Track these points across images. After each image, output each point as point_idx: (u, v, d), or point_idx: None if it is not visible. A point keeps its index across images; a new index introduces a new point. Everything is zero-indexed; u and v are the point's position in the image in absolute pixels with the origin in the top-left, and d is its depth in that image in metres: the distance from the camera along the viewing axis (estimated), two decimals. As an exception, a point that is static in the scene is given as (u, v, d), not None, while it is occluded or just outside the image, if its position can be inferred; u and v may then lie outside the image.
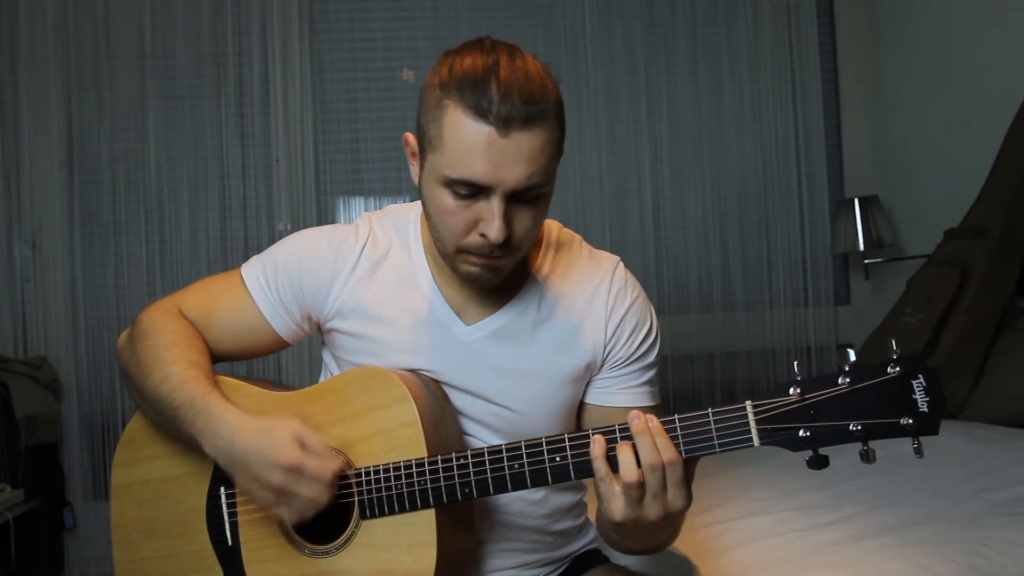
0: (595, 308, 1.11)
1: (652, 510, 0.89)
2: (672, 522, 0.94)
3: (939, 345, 2.28)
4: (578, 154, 3.32)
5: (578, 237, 1.20)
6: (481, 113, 0.92)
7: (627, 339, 1.11)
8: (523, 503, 1.12)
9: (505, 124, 0.92)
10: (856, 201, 3.21)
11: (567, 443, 0.94)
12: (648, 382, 1.14)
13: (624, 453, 0.88)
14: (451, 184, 0.96)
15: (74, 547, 3.08)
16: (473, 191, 0.95)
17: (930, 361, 2.26)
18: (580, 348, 1.10)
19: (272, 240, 3.15)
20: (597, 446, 0.90)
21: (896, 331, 2.41)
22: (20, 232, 3.12)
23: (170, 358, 1.08)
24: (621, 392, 1.12)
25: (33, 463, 2.79)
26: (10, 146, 3.10)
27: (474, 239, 0.98)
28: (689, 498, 0.91)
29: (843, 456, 1.89)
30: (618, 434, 0.91)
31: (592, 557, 1.25)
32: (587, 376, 1.12)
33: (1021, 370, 2.13)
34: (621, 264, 1.16)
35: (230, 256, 3.18)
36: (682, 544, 1.46)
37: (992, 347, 2.25)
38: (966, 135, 2.90)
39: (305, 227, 3.18)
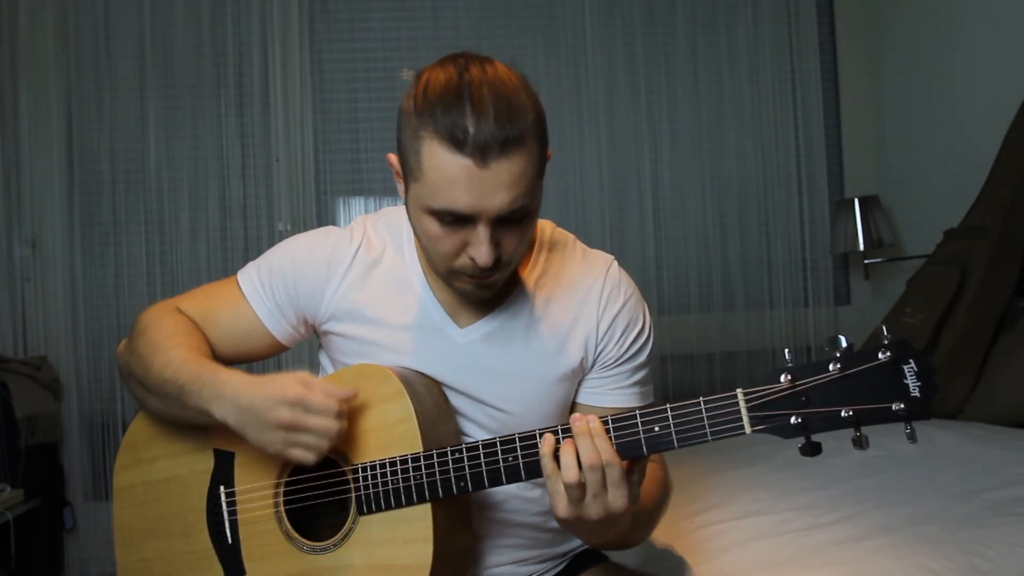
0: (587, 308, 1.11)
1: (593, 510, 0.90)
2: (616, 523, 0.94)
3: (939, 345, 2.28)
4: (578, 154, 3.32)
5: (572, 236, 1.20)
6: (457, 144, 0.90)
7: (619, 339, 1.12)
8: (520, 500, 1.13)
9: (483, 154, 0.90)
10: (856, 201, 3.20)
11: (560, 435, 0.94)
12: (639, 383, 1.14)
13: (566, 454, 0.90)
14: (435, 213, 0.96)
15: (74, 547, 3.08)
16: (458, 219, 0.95)
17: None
18: (573, 348, 1.10)
19: (272, 240, 3.16)
20: (546, 444, 0.91)
21: (896, 331, 2.40)
22: (20, 232, 3.12)
23: (171, 344, 1.09)
24: (611, 393, 1.13)
25: (33, 463, 2.79)
26: (10, 146, 3.10)
27: (464, 261, 0.99)
28: (632, 499, 0.91)
29: (843, 456, 1.89)
30: (560, 434, 0.92)
31: (591, 555, 1.25)
32: (579, 374, 1.13)
33: (1021, 370, 2.13)
34: (615, 263, 1.16)
35: (230, 256, 3.18)
36: (682, 544, 1.46)
37: (992, 347, 2.24)
38: (966, 135, 2.90)
39: (305, 227, 3.21)
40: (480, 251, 0.96)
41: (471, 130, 0.90)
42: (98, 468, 3.12)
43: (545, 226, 1.18)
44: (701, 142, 3.39)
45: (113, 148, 3.17)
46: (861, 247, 3.18)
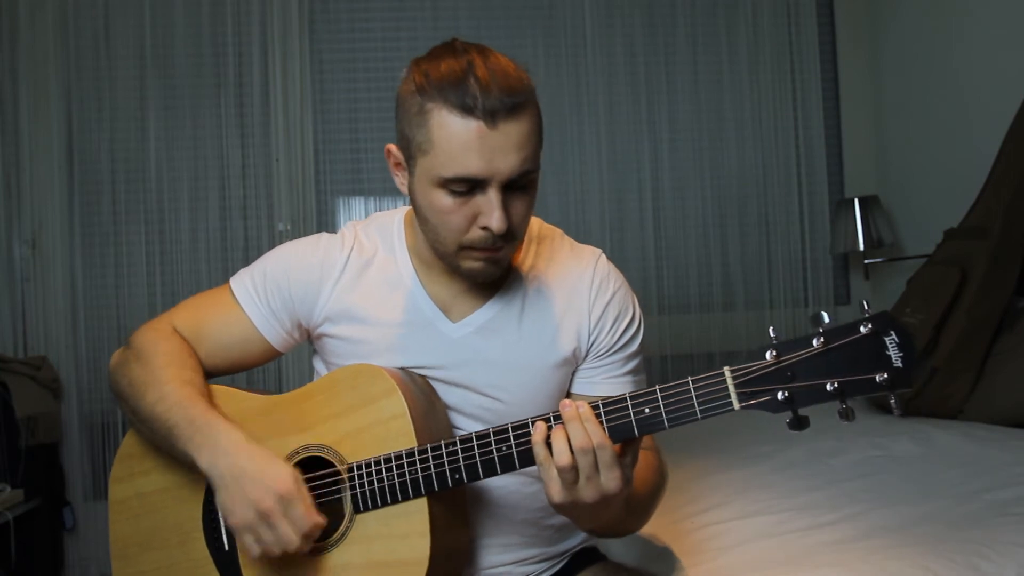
0: (578, 298, 1.14)
1: (587, 493, 0.91)
2: (610, 505, 0.95)
3: (939, 345, 2.28)
4: (578, 154, 3.32)
5: (559, 231, 1.22)
6: (467, 110, 0.95)
7: (610, 328, 1.14)
8: (518, 496, 1.14)
9: (492, 116, 0.95)
10: (856, 201, 3.20)
11: (552, 422, 0.95)
12: (632, 371, 1.17)
13: (558, 439, 0.91)
14: (447, 184, 0.98)
15: (74, 547, 3.08)
16: (469, 187, 0.98)
17: (930, 361, 2.26)
18: (566, 337, 1.12)
19: (272, 240, 3.17)
20: (538, 432, 0.93)
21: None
22: (20, 232, 3.12)
23: (165, 378, 1.09)
24: (605, 382, 1.15)
25: (33, 463, 2.79)
26: (10, 146, 3.10)
27: (476, 233, 1.01)
28: (625, 481, 0.93)
29: (843, 456, 1.89)
30: (552, 421, 0.94)
31: (589, 555, 1.26)
32: (573, 363, 1.15)
33: (1021, 370, 2.13)
34: (603, 256, 1.19)
35: (230, 257, 3.18)
36: (682, 544, 1.46)
37: (992, 347, 2.24)
38: (966, 135, 2.90)
39: (305, 227, 3.22)
40: (493, 217, 0.98)
41: (479, 96, 0.95)
42: (98, 468, 3.12)
43: (533, 221, 1.20)
44: (701, 142, 3.40)
45: (113, 148, 3.17)
46: (861, 247, 3.18)
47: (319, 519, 1.00)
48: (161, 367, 1.11)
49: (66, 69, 3.15)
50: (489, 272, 1.06)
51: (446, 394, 1.12)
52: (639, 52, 3.37)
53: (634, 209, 3.36)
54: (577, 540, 1.25)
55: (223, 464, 1.01)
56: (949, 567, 1.23)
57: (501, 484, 1.12)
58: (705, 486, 1.77)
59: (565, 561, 1.23)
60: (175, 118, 3.20)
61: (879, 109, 3.46)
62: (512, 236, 1.02)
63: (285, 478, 0.99)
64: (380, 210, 3.29)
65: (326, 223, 3.29)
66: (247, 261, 1.23)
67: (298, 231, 3.18)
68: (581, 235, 3.33)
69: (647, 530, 1.53)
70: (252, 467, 1.00)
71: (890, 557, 1.27)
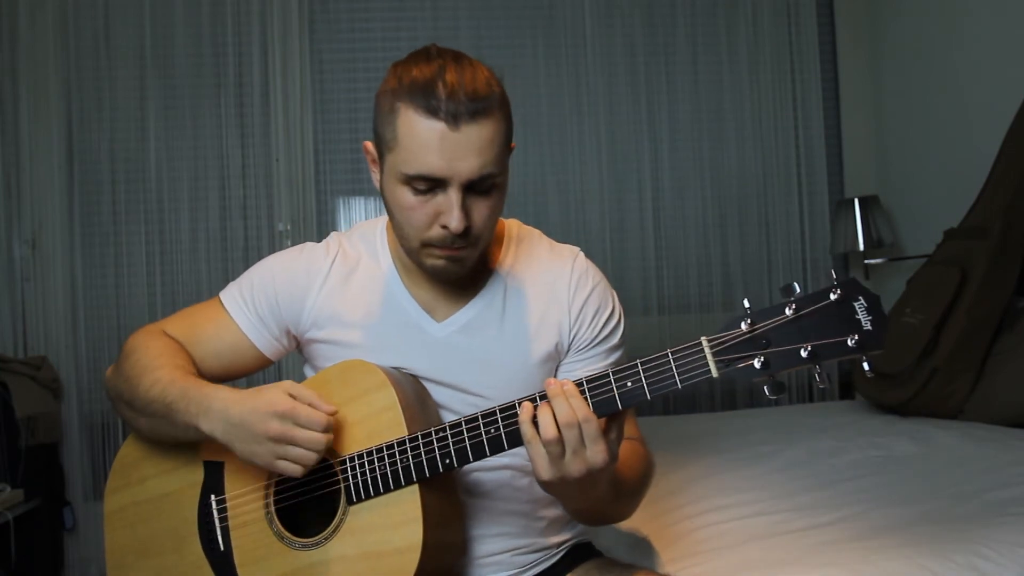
0: (559, 294, 1.17)
1: (574, 467, 0.93)
2: (598, 481, 0.96)
3: (939, 345, 2.28)
4: (578, 154, 3.32)
5: (537, 231, 1.26)
6: (432, 111, 0.99)
7: (591, 322, 1.17)
8: (510, 489, 1.17)
9: (455, 119, 0.99)
10: (856, 201, 3.20)
11: (537, 401, 0.97)
12: (614, 364, 1.18)
13: (544, 414, 0.93)
14: (410, 181, 1.02)
15: (74, 547, 3.08)
16: (431, 185, 1.02)
17: (930, 361, 2.26)
18: (547, 333, 1.16)
19: (272, 241, 3.17)
20: (525, 411, 0.95)
21: (896, 331, 2.40)
22: (20, 232, 3.12)
23: (157, 364, 1.13)
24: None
25: (33, 463, 2.79)
26: (10, 146, 3.10)
27: (436, 232, 1.04)
28: (611, 455, 0.94)
29: (843, 456, 1.89)
30: (538, 401, 0.96)
31: (585, 550, 1.27)
32: (556, 358, 1.18)
33: (1021, 370, 2.13)
34: (581, 254, 1.23)
35: (230, 257, 3.18)
36: (681, 544, 1.47)
37: (992, 347, 2.24)
38: (966, 135, 2.90)
39: (305, 227, 3.22)
40: (452, 216, 1.01)
41: (444, 99, 0.99)
42: (98, 468, 3.12)
43: (511, 224, 1.24)
44: (701, 142, 3.40)
45: (113, 148, 3.17)
46: (861, 247, 3.18)
47: (327, 406, 1.02)
48: (153, 357, 1.14)
49: (66, 69, 3.15)
50: (451, 270, 1.09)
51: (435, 393, 1.15)
52: (639, 52, 3.37)
53: (634, 209, 3.36)
54: (570, 534, 1.26)
55: (221, 423, 1.03)
56: (949, 567, 1.23)
57: (493, 478, 1.15)
58: (705, 486, 1.77)
59: (560, 555, 1.24)
60: (175, 118, 3.20)
61: (879, 109, 3.46)
62: (473, 238, 1.06)
63: (275, 398, 1.01)
64: (380, 210, 3.30)
65: (326, 223, 3.29)
66: (247, 261, 1.24)
67: (298, 231, 3.18)
68: (581, 235, 3.35)
69: (647, 530, 1.53)
70: (244, 408, 1.02)
71: (890, 557, 1.28)
